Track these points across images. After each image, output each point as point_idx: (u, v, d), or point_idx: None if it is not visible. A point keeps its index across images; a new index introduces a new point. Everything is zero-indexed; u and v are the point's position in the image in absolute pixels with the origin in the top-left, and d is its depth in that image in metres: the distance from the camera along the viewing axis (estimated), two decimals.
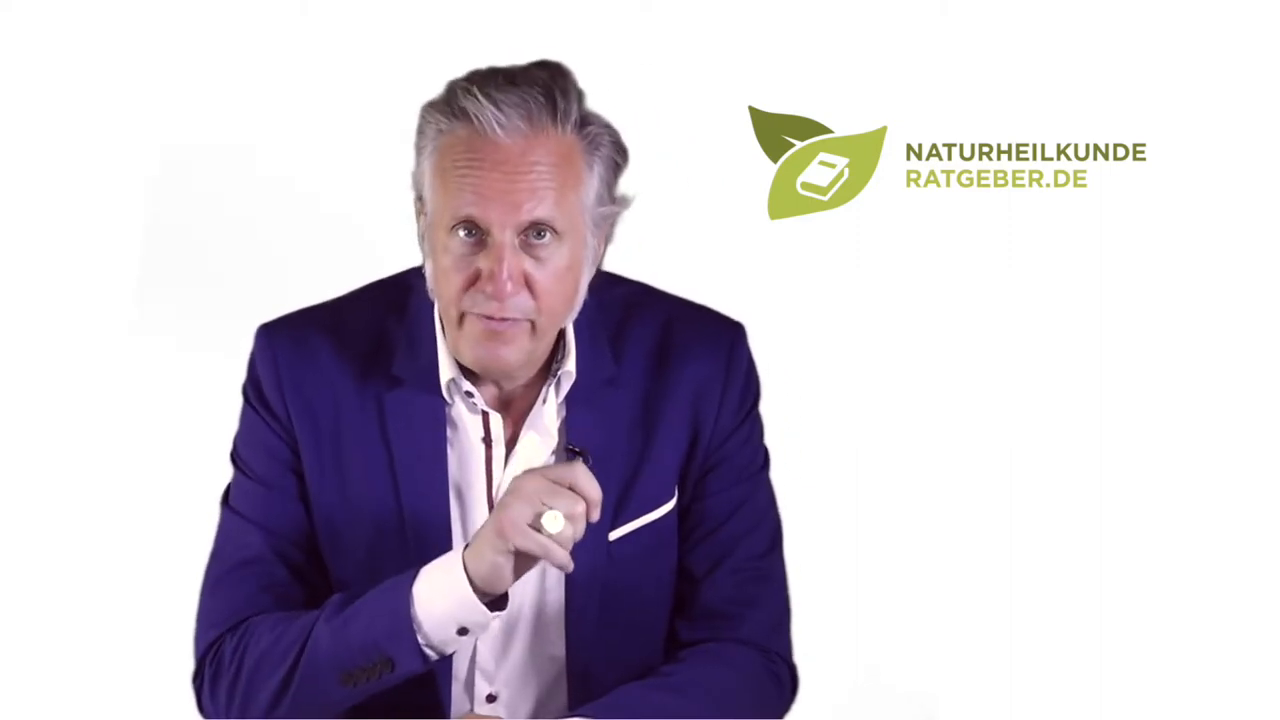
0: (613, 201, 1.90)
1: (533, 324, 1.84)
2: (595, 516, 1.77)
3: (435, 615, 1.79)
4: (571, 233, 1.84)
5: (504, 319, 1.83)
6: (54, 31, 2.76)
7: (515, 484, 1.77)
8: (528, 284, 1.82)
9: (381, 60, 2.76)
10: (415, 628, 1.79)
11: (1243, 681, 2.75)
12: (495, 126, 1.79)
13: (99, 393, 2.81)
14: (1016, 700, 2.80)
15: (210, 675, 1.90)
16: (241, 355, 2.01)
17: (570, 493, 1.75)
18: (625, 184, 1.93)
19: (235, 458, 1.99)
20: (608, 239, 1.93)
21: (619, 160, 1.89)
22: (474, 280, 1.82)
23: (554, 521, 1.74)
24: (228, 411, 2.04)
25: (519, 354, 1.85)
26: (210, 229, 2.82)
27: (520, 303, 1.82)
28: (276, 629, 1.85)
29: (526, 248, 1.82)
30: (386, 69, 2.75)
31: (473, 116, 1.80)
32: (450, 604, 1.78)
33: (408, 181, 1.94)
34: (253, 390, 1.97)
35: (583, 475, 1.76)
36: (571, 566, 1.78)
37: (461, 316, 1.84)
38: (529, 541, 1.74)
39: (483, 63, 1.90)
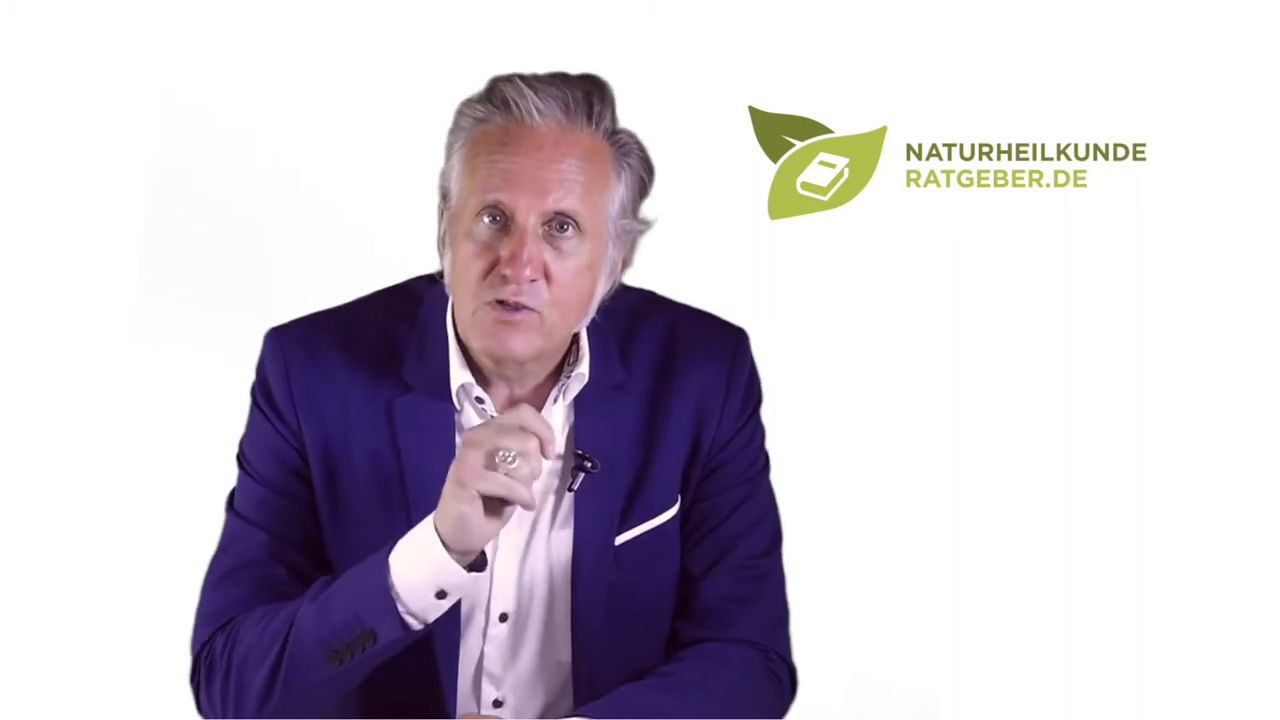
0: (636, 218, 1.91)
1: (541, 319, 1.84)
2: (550, 455, 1.77)
3: (412, 581, 1.78)
4: (594, 234, 1.85)
5: (517, 306, 1.83)
6: (56, 34, 2.76)
7: (467, 435, 1.78)
8: (546, 275, 1.83)
9: (386, 61, 2.77)
10: (394, 596, 1.79)
11: (1241, 681, 2.75)
12: (534, 112, 1.82)
13: (100, 394, 2.82)
14: (1016, 700, 2.80)
15: (205, 673, 1.90)
16: (240, 355, 2.01)
17: (521, 432, 1.75)
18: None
19: (241, 460, 1.99)
20: (627, 260, 1.94)
21: (646, 179, 1.92)
22: (493, 266, 1.83)
23: (507, 460, 1.75)
24: (229, 412, 2.04)
25: (528, 346, 1.86)
26: (211, 229, 2.82)
27: (536, 291, 1.83)
28: (263, 620, 1.86)
29: (549, 238, 1.83)
30: (391, 70, 2.75)
31: (512, 103, 1.83)
32: (425, 567, 1.78)
33: (408, 181, 1.94)
34: (261, 394, 1.96)
35: (529, 415, 1.76)
36: (535, 504, 1.79)
37: (476, 308, 1.85)
38: (489, 483, 1.75)
39: (485, 63, 1.91)
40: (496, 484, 1.75)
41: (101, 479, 2.83)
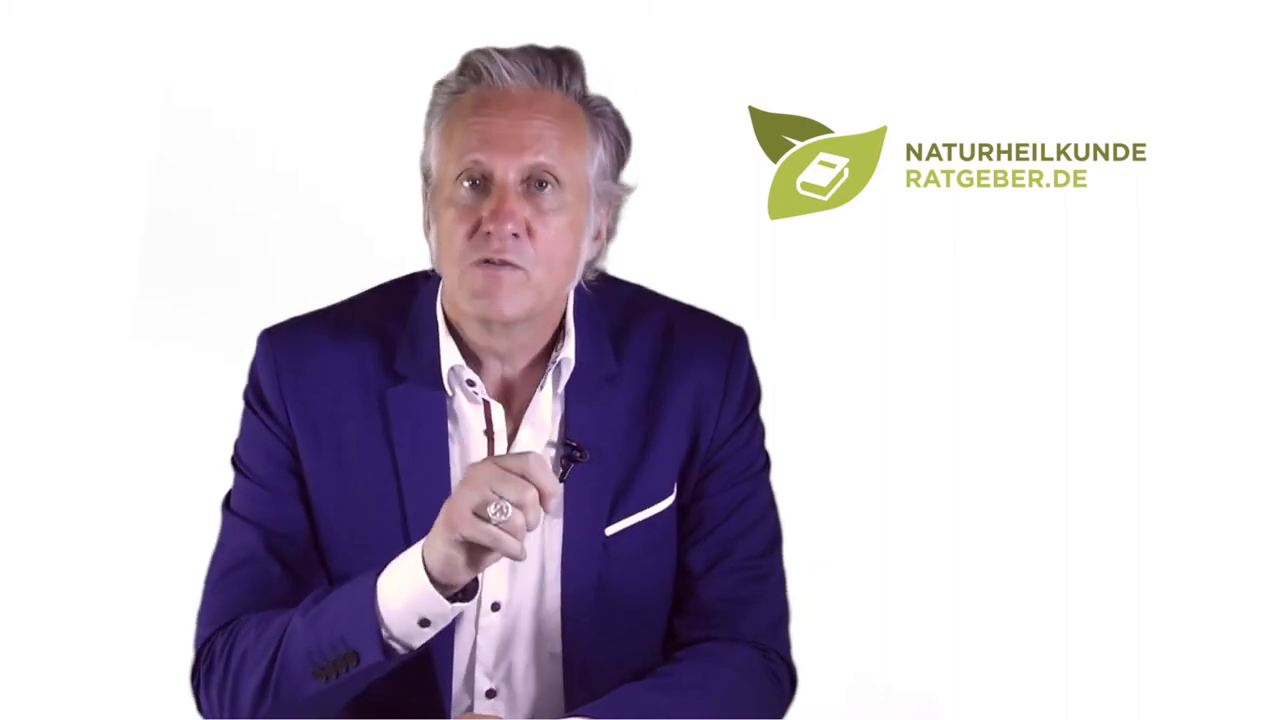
0: (616, 183, 1.93)
1: (528, 276, 1.84)
2: (549, 508, 1.73)
3: (396, 607, 1.78)
4: (574, 192, 1.87)
5: (503, 262, 1.83)
6: (56, 34, 2.76)
7: (468, 472, 1.75)
8: (529, 232, 1.84)
9: (386, 62, 2.77)
10: (378, 620, 1.78)
11: (1241, 681, 2.75)
12: (505, 75, 1.86)
13: (100, 394, 2.82)
14: (1016, 700, 2.80)
15: (204, 673, 1.91)
16: (241, 355, 2.01)
17: (521, 480, 1.71)
18: (627, 177, 1.95)
19: (236, 461, 2.00)
20: (611, 230, 1.95)
21: (623, 144, 1.93)
22: (476, 227, 1.84)
23: (501, 510, 1.70)
24: (229, 412, 2.04)
25: (517, 306, 1.86)
26: (211, 229, 2.82)
27: (520, 248, 1.84)
28: (260, 625, 1.86)
29: (529, 197, 1.85)
30: (391, 70, 2.75)
31: (483, 69, 1.87)
32: (409, 595, 1.77)
33: (409, 181, 1.95)
34: (253, 394, 1.97)
35: (535, 464, 1.72)
36: (524, 556, 1.74)
37: (463, 271, 1.85)
38: (476, 531, 1.71)
39: None
40: (485, 535, 1.71)
41: (101, 479, 2.83)
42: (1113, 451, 2.77)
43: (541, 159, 1.84)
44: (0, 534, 2.82)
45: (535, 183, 1.85)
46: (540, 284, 1.86)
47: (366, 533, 1.90)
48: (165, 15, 2.79)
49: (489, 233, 1.83)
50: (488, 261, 1.84)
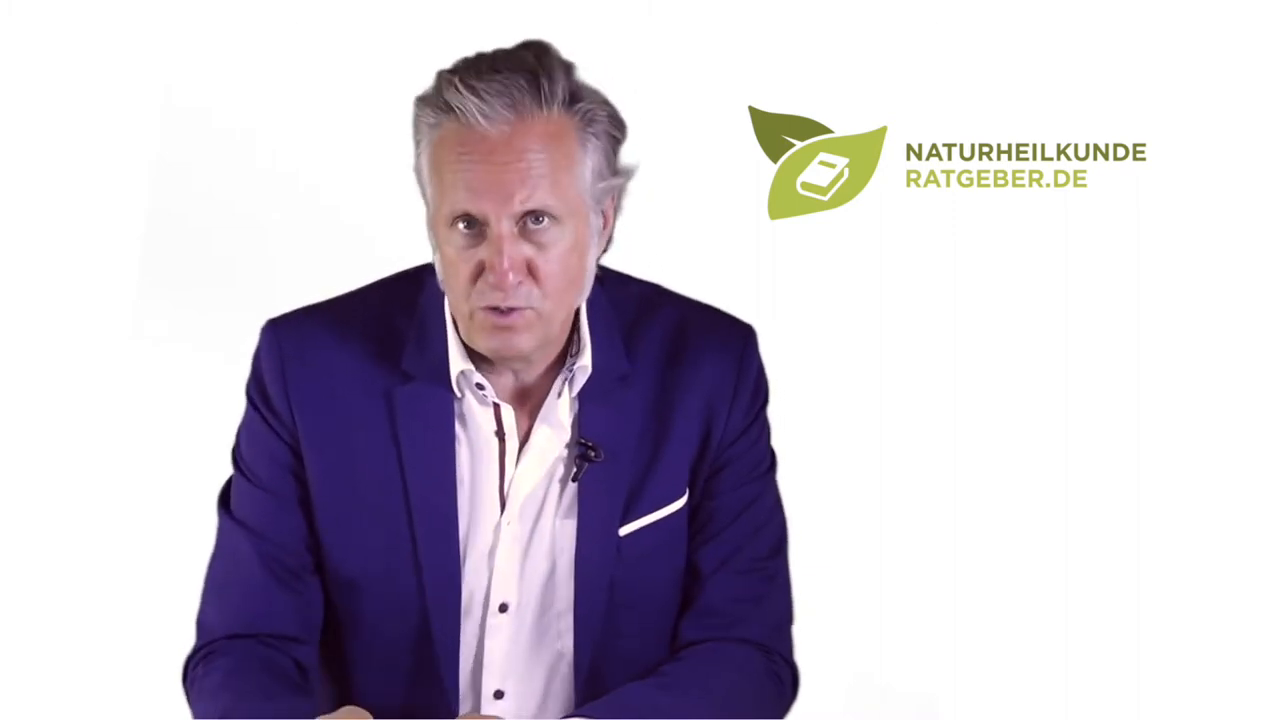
0: (614, 174, 1.88)
1: (538, 313, 1.84)
2: None
3: None
4: (571, 215, 1.83)
5: (510, 310, 1.82)
6: (56, 33, 2.76)
7: None
8: (531, 271, 1.82)
9: (386, 62, 2.77)
10: None
11: (1241, 681, 2.75)
12: (479, 117, 1.78)
13: (100, 394, 2.82)
14: (1016, 700, 2.80)
15: (189, 682, 1.93)
16: (241, 355, 2.00)
17: None
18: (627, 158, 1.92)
19: (235, 458, 1.98)
20: (617, 210, 1.92)
21: (616, 134, 1.88)
22: (479, 272, 1.82)
23: None
24: (229, 412, 2.04)
25: (531, 341, 1.85)
26: (211, 229, 2.82)
27: (526, 293, 1.82)
28: (209, 702, 1.88)
29: (526, 234, 1.81)
30: (391, 70, 2.75)
31: (457, 110, 1.79)
32: None
33: (409, 181, 1.94)
34: (256, 389, 1.95)
35: None
36: None
37: (472, 311, 1.84)
38: None
39: None
40: None
41: (101, 479, 2.83)
42: (1113, 451, 2.77)
43: (531, 203, 1.79)
44: (0, 534, 2.82)
45: (531, 219, 1.81)
46: (550, 315, 1.85)
47: (369, 533, 1.90)
48: (165, 15, 2.79)
49: (491, 282, 1.80)
50: (496, 309, 1.82)
